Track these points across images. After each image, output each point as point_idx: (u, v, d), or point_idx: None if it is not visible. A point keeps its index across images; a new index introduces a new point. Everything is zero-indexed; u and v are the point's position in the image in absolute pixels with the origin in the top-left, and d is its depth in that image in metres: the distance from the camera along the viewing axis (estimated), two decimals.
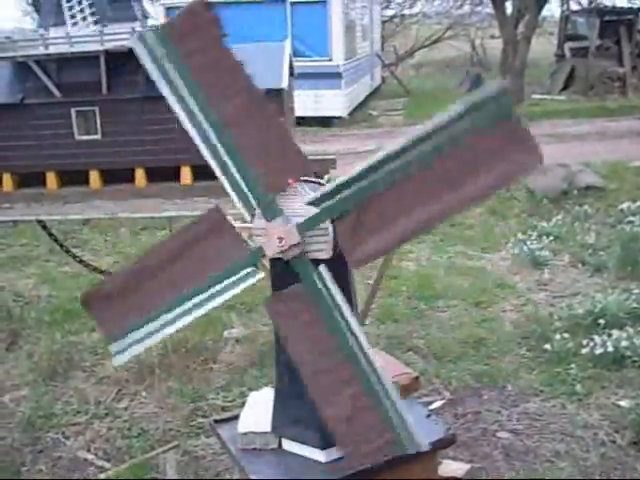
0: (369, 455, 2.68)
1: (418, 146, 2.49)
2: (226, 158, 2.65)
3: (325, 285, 2.65)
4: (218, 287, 2.75)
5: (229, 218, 2.78)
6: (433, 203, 2.52)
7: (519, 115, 2.44)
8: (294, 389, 2.91)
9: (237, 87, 2.62)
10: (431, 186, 2.51)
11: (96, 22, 4.87)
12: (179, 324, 2.81)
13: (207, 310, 2.79)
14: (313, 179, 2.75)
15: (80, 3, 4.75)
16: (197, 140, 2.67)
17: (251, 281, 2.73)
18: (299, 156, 2.64)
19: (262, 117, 2.63)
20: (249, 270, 2.72)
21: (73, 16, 4.78)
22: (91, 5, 4.82)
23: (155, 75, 2.65)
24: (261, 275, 2.74)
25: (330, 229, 2.64)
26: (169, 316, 2.80)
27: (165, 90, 2.65)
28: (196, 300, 2.77)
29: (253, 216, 2.68)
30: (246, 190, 2.66)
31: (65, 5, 4.73)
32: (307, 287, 2.66)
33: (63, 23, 4.85)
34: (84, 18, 4.79)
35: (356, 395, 2.66)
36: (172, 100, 2.66)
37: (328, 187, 2.61)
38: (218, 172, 2.68)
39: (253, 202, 2.66)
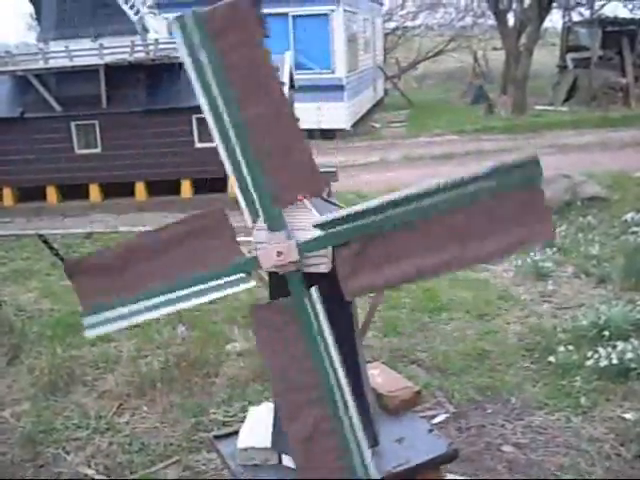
0: (321, 476, 2.70)
1: (438, 195, 2.45)
2: (241, 159, 2.57)
3: (314, 307, 2.63)
4: (205, 285, 2.71)
5: (231, 221, 2.73)
6: (438, 255, 2.48)
7: (542, 187, 2.40)
8: None
9: (266, 91, 2.52)
10: (440, 238, 2.48)
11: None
12: (156, 313, 2.78)
13: (190, 306, 2.76)
14: (324, 197, 2.72)
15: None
16: (215, 135, 2.58)
17: (241, 288, 2.71)
18: (314, 173, 2.58)
19: (286, 127, 2.55)
20: (240, 276, 2.69)
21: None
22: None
23: (187, 61, 2.53)
24: (251, 284, 2.71)
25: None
26: (149, 303, 2.76)
27: (193, 78, 2.53)
28: (180, 293, 2.73)
29: (254, 221, 2.63)
30: (255, 196, 2.59)
31: None
32: (296, 304, 2.65)
33: (63, 37, 4.87)
34: None
35: (320, 417, 2.67)
36: (198, 89, 2.55)
37: (339, 213, 2.56)
38: (231, 171, 2.60)
39: (259, 210, 2.61)
